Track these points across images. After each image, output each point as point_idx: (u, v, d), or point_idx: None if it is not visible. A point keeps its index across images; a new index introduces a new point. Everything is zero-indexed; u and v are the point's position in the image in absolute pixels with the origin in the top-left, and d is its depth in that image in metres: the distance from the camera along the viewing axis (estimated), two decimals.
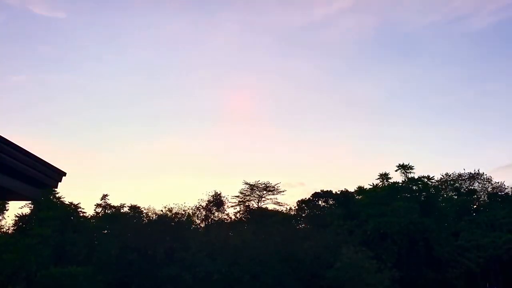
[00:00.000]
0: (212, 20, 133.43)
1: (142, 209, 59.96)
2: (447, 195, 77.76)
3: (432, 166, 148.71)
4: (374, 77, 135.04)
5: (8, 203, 48.69)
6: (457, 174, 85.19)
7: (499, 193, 79.76)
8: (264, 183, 70.02)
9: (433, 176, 73.53)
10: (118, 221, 54.43)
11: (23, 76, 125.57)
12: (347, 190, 69.62)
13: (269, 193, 70.57)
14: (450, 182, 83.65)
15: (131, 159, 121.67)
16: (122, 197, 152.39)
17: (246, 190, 70.42)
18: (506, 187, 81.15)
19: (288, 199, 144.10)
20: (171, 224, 54.60)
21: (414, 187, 68.58)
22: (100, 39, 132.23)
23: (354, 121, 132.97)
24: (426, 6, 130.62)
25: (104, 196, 60.17)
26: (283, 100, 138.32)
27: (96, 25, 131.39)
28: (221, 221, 65.22)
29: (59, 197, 54.10)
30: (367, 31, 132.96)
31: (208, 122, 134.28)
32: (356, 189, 72.02)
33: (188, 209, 61.25)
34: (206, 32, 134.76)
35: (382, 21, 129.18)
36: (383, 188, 67.26)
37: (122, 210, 59.46)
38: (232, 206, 69.68)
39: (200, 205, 64.74)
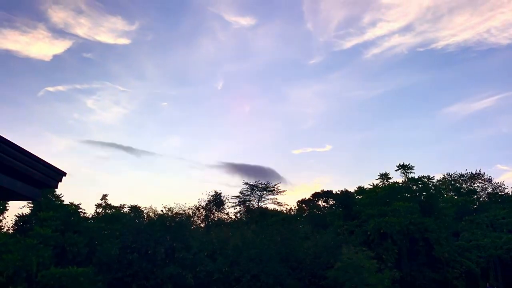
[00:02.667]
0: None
1: (142, 209, 60.04)
2: (447, 195, 77.78)
3: (432, 166, 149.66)
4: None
5: (8, 203, 48.74)
6: (457, 174, 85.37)
7: (499, 193, 79.85)
8: (264, 183, 70.12)
9: (433, 176, 73.58)
10: (118, 221, 54.47)
11: None
12: (347, 190, 69.60)
13: (269, 193, 70.65)
14: (450, 182, 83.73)
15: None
16: (122, 197, 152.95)
17: (246, 190, 70.51)
18: (506, 187, 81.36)
19: (288, 199, 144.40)
20: (171, 224, 54.59)
21: (414, 187, 68.54)
22: None
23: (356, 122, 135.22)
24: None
25: (104, 196, 60.27)
26: None
27: None
28: (221, 221, 65.24)
29: (59, 197, 54.14)
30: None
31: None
32: (356, 189, 72.02)
33: (188, 209, 61.34)
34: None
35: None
36: (383, 188, 67.22)
37: (122, 210, 59.53)
38: (232, 206, 69.80)
39: (200, 205, 64.82)
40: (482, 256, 58.64)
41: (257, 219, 62.42)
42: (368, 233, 55.03)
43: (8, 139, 4.90)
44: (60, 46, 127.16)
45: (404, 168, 71.89)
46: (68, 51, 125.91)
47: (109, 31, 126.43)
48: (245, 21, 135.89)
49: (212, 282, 48.90)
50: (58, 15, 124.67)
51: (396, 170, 72.83)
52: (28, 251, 40.49)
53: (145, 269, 48.02)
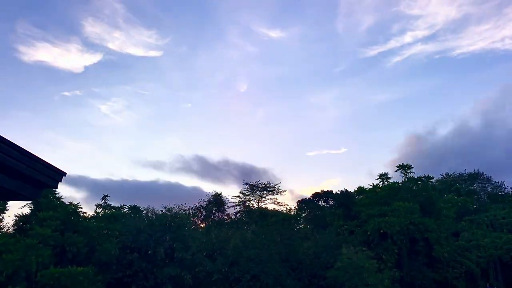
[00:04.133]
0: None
1: (142, 209, 60.00)
2: (447, 195, 77.78)
3: (432, 166, 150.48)
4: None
5: (8, 203, 48.70)
6: (457, 174, 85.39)
7: (499, 193, 79.88)
8: (264, 183, 70.12)
9: (433, 176, 73.58)
10: (118, 221, 54.44)
11: None
12: (347, 190, 69.63)
13: (269, 193, 70.64)
14: (450, 182, 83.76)
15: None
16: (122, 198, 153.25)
17: (246, 190, 70.52)
18: (506, 187, 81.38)
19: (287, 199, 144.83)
20: (171, 224, 54.57)
21: (414, 187, 68.54)
22: None
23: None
24: None
25: (105, 197, 60.26)
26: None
27: None
28: (221, 221, 65.24)
29: (59, 197, 54.11)
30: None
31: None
32: (356, 189, 72.02)
33: (188, 209, 61.33)
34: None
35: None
36: (383, 188, 67.23)
37: (122, 210, 59.54)
38: (232, 206, 69.79)
39: (200, 205, 64.82)
40: (482, 256, 58.65)
41: (257, 219, 62.40)
42: (368, 233, 55.02)
43: (7, 139, 4.87)
44: (90, 59, 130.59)
45: (404, 168, 71.91)
46: (99, 63, 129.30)
47: (141, 45, 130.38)
48: (274, 33, 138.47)
49: (211, 283, 48.88)
50: (92, 29, 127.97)
51: (396, 171, 72.89)
52: (27, 251, 40.44)
53: (145, 269, 47.98)
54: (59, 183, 6.10)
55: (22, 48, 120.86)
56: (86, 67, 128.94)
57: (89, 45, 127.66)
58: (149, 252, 49.34)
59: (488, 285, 57.39)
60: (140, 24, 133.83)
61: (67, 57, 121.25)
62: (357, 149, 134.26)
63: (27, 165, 5.21)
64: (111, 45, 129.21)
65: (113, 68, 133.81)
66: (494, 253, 58.67)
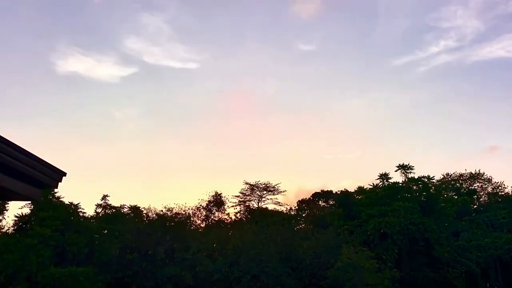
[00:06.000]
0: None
1: (142, 209, 59.98)
2: (447, 195, 77.75)
3: (432, 166, 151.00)
4: None
5: (8, 203, 48.71)
6: (457, 174, 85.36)
7: (499, 193, 79.83)
8: (264, 183, 70.09)
9: (433, 176, 73.57)
10: (118, 221, 54.44)
11: None
12: (347, 190, 69.64)
13: (269, 193, 70.64)
14: (450, 182, 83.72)
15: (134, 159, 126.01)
16: (122, 198, 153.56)
17: (246, 190, 70.51)
18: (506, 186, 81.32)
19: (287, 199, 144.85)
20: (171, 224, 54.60)
21: (414, 187, 68.54)
22: None
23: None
24: None
25: (105, 197, 60.24)
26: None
27: None
28: (221, 221, 65.25)
29: (59, 197, 54.14)
30: None
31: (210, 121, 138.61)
32: (356, 189, 72.03)
33: (189, 209, 61.31)
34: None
35: None
36: (383, 188, 67.24)
37: (122, 211, 59.51)
38: (232, 206, 69.80)
39: (200, 205, 64.83)
40: (482, 256, 58.64)
41: (257, 219, 62.39)
42: (368, 233, 55.02)
43: (7, 138, 4.88)
44: (126, 71, 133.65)
45: (404, 168, 71.91)
46: (135, 75, 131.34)
47: (179, 59, 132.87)
48: (307, 47, 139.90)
49: (211, 283, 48.87)
50: (132, 45, 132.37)
51: (396, 171, 72.89)
52: (28, 251, 40.44)
53: (145, 269, 47.99)
54: (59, 183, 6.11)
55: (58, 60, 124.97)
56: (121, 78, 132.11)
57: (126, 58, 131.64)
58: (149, 252, 49.38)
59: (488, 285, 57.39)
60: (179, 40, 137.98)
61: (102, 69, 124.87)
62: (372, 153, 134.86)
63: (27, 165, 5.22)
64: (147, 58, 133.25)
65: (148, 80, 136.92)
66: (494, 253, 58.65)
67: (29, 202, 48.67)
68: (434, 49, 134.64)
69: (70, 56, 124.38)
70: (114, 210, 58.68)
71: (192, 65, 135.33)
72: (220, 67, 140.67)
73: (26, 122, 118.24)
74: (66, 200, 54.52)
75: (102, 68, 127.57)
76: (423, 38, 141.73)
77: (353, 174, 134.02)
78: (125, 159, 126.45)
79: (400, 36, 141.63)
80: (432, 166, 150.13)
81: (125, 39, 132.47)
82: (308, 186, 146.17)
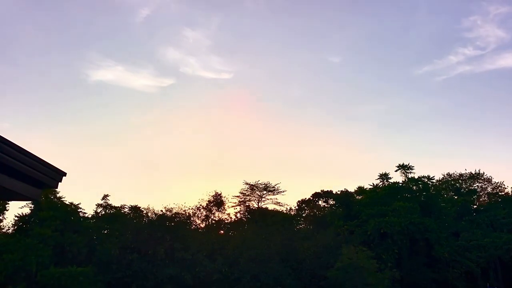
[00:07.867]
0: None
1: (142, 209, 59.95)
2: (447, 195, 77.77)
3: (432, 166, 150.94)
4: None
5: (8, 203, 48.68)
6: (457, 174, 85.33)
7: (499, 193, 79.81)
8: (264, 183, 70.01)
9: (433, 176, 73.58)
10: (118, 221, 54.41)
11: None
12: (347, 190, 69.65)
13: (269, 193, 70.56)
14: (450, 182, 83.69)
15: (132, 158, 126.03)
16: (123, 197, 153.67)
17: (246, 190, 70.41)
18: (506, 187, 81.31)
19: (287, 199, 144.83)
20: (171, 224, 54.57)
21: (414, 187, 68.57)
22: None
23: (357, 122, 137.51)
24: None
25: (105, 197, 60.20)
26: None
27: None
28: (221, 221, 65.20)
29: (59, 197, 54.10)
30: None
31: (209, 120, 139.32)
32: (356, 189, 72.05)
33: (188, 209, 61.26)
34: None
35: None
36: (383, 188, 67.28)
37: (122, 211, 59.47)
38: (232, 206, 69.70)
39: (200, 205, 64.75)
40: (482, 256, 58.63)
41: (257, 219, 62.37)
42: (368, 233, 55.04)
43: (7, 138, 4.87)
44: (163, 82, 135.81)
45: (404, 168, 71.93)
46: (171, 86, 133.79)
47: (212, 70, 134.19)
48: (334, 58, 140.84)
49: (211, 283, 48.85)
50: (170, 56, 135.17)
51: (396, 171, 72.92)
52: (27, 251, 40.42)
53: (145, 269, 47.96)
54: (59, 183, 6.09)
55: (91, 72, 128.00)
56: (157, 89, 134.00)
57: (163, 69, 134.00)
58: (149, 252, 49.35)
59: (488, 285, 57.37)
60: (216, 53, 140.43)
61: (138, 79, 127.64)
62: (376, 155, 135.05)
63: (27, 165, 5.20)
64: (183, 69, 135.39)
65: (183, 91, 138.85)
66: (494, 253, 58.64)
67: (29, 202, 48.68)
68: (453, 58, 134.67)
69: (101, 67, 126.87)
70: (114, 210, 58.64)
71: (225, 75, 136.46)
72: (247, 76, 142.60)
73: (51, 125, 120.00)
74: (66, 200, 54.58)
75: (136, 78, 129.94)
76: (442, 49, 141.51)
77: (353, 174, 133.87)
78: (125, 159, 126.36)
79: (417, 47, 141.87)
80: (439, 168, 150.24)
81: (164, 52, 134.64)
82: (308, 186, 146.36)
